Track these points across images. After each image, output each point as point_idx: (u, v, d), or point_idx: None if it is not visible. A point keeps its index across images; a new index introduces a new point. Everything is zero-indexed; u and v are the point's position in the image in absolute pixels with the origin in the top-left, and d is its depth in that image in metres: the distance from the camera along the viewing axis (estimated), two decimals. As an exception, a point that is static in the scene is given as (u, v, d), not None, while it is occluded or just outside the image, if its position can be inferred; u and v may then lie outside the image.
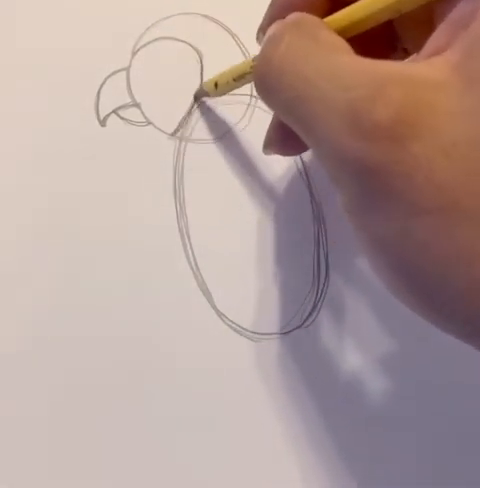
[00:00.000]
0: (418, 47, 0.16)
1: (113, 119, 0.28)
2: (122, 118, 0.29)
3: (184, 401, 0.28)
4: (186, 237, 0.28)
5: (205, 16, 0.29)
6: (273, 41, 0.17)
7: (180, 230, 0.28)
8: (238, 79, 0.24)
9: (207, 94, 0.28)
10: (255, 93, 0.29)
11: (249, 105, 0.29)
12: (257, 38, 0.22)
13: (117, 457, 0.27)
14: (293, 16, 0.18)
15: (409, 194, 0.14)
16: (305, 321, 0.29)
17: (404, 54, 0.21)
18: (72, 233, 0.28)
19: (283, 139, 0.24)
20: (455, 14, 0.15)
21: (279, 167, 0.29)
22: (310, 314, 0.29)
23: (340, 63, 0.15)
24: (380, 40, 0.20)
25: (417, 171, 0.14)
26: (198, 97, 0.29)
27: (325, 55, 0.16)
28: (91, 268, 0.28)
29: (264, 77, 0.18)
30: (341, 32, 0.18)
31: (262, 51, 0.18)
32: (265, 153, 0.26)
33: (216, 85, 0.26)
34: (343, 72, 0.15)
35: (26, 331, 0.27)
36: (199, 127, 0.29)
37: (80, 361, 0.27)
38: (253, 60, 0.23)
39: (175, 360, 0.28)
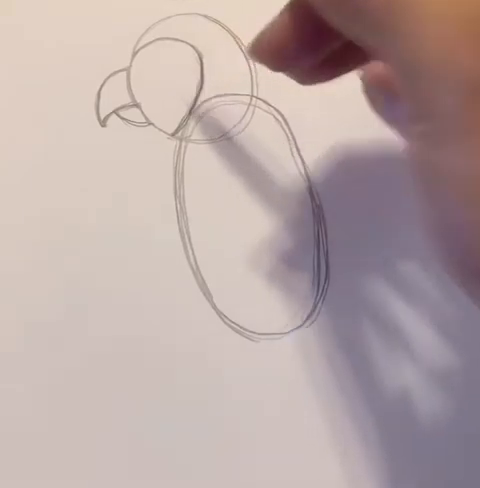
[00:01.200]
0: None
1: (113, 119, 0.29)
2: (122, 118, 0.29)
3: (184, 401, 0.28)
4: (186, 237, 0.28)
5: (205, 16, 0.29)
6: None
7: (180, 230, 0.28)
8: None
9: None
10: (255, 93, 0.29)
11: (249, 105, 0.29)
12: None
13: (116, 457, 0.27)
14: None
15: None
16: (305, 321, 0.29)
17: None
18: (72, 233, 0.28)
19: (289, 40, 0.18)
20: None
21: (279, 167, 0.29)
22: (310, 314, 0.29)
23: None
24: None
25: None
26: None
27: None
28: (91, 268, 0.28)
29: None
30: None
31: None
32: (250, 56, 0.20)
33: None
34: None
35: (26, 331, 0.27)
36: (199, 127, 0.29)
37: (80, 361, 0.27)
38: None
39: (175, 360, 0.28)
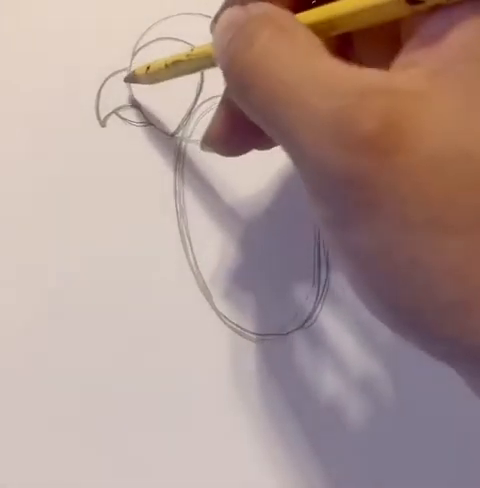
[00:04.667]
0: (374, 63, 0.15)
1: (113, 119, 0.28)
2: (122, 118, 0.29)
3: (184, 402, 0.28)
4: (186, 237, 0.28)
5: (205, 16, 0.29)
6: (244, 38, 0.16)
7: (180, 230, 0.28)
8: (170, 65, 0.23)
9: (137, 80, 0.27)
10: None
11: (249, 105, 0.29)
12: (210, 28, 0.20)
13: (115, 457, 0.27)
14: (260, 9, 0.16)
15: (395, 207, 0.13)
16: (305, 322, 0.29)
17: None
18: (71, 233, 0.28)
19: (231, 134, 0.21)
20: (427, 30, 0.14)
21: (280, 167, 0.29)
22: (310, 315, 0.29)
23: (321, 68, 0.14)
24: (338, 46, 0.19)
25: (403, 183, 0.13)
26: (128, 81, 0.28)
27: (305, 58, 0.15)
28: (90, 268, 0.28)
29: (238, 79, 0.16)
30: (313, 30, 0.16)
31: (231, 47, 0.16)
32: (203, 149, 0.23)
33: (148, 68, 0.25)
34: (325, 79, 0.14)
35: (26, 331, 0.27)
36: (199, 128, 0.29)
37: (80, 362, 0.27)
38: (192, 50, 0.22)
39: (175, 361, 0.28)
